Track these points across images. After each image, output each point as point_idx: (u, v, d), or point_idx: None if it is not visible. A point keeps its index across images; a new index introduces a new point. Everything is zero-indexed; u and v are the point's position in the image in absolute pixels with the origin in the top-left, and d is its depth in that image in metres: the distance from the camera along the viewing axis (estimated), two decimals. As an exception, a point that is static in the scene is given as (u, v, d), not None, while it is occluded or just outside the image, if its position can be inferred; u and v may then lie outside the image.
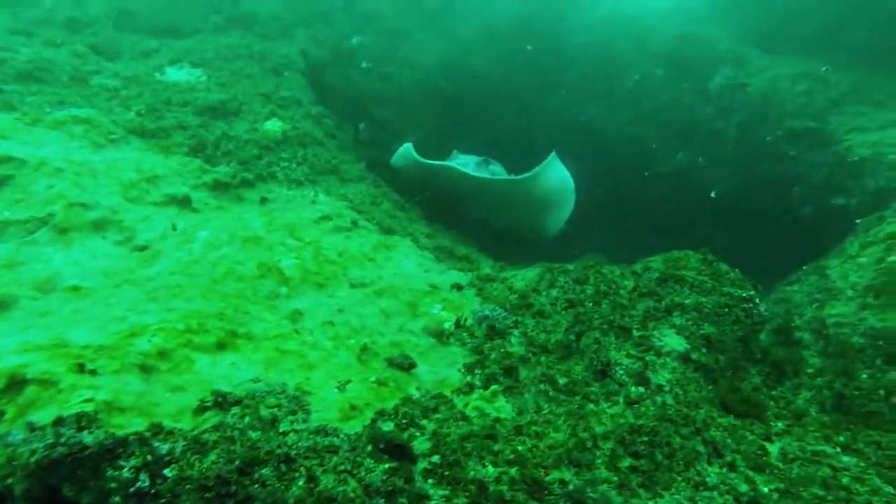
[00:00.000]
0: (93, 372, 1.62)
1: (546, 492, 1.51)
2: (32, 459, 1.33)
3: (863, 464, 2.04)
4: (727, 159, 8.15)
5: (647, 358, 2.53)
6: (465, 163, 5.30)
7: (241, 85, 5.43)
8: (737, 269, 3.56)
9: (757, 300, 3.29)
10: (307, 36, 7.05)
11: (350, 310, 2.57)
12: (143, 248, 3.02)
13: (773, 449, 2.09)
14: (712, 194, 7.55)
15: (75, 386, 1.54)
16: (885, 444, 2.22)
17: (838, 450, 2.14)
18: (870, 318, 3.82)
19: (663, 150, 8.80)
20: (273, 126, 4.86)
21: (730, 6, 9.28)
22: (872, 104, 7.00)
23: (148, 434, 1.45)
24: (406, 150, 5.69)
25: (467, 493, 1.46)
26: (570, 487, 1.55)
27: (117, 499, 1.35)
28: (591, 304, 2.92)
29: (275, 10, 7.23)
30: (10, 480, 1.35)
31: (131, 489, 1.34)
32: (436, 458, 1.56)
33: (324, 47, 7.14)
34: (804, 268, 5.09)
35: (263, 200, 4.06)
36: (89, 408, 1.47)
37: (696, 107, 8.35)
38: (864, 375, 3.07)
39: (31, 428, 1.39)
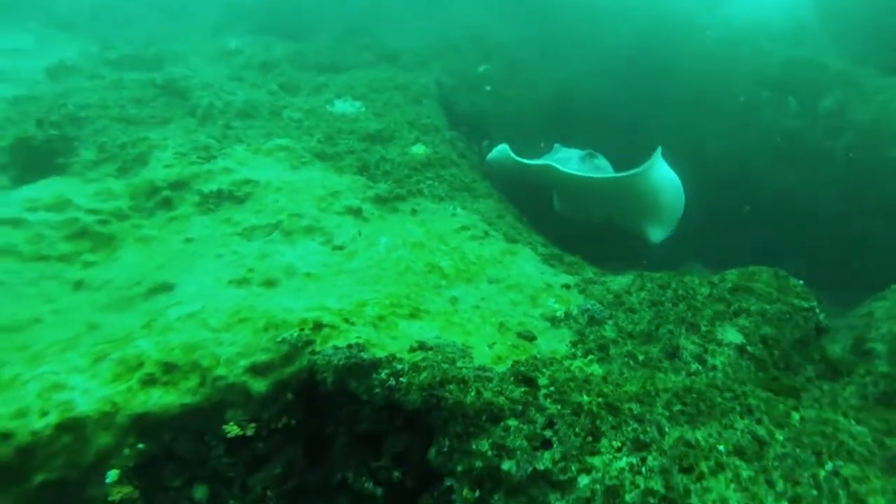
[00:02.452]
0: (352, 324, 2.81)
1: (619, 412, 2.47)
2: (340, 363, 2.51)
3: (866, 429, 2.77)
4: (835, 181, 8.37)
5: (709, 346, 3.36)
6: (568, 156, 5.55)
7: (392, 114, 6.72)
8: (801, 282, 4.22)
9: (817, 310, 3.96)
10: (440, 67, 8.28)
11: (489, 298, 3.64)
12: (340, 248, 4.28)
13: (796, 415, 2.87)
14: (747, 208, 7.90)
15: (348, 330, 2.73)
16: (894, 419, 2.92)
17: (851, 421, 2.87)
18: (938, 332, 4.28)
19: (768, 171, 9.10)
20: (418, 150, 6.07)
21: (852, 25, 9.33)
22: None
23: (390, 358, 2.59)
24: (503, 151, 6.01)
25: (570, 408, 2.46)
26: (636, 412, 2.49)
27: (377, 389, 2.50)
28: (669, 304, 3.78)
29: (413, 45, 8.53)
30: (324, 374, 2.55)
31: (385, 385, 2.49)
32: (551, 389, 2.57)
33: (454, 76, 8.33)
34: (892, 286, 5.49)
35: (414, 212, 5.24)
36: (360, 341, 2.64)
37: (803, 129, 8.61)
38: (907, 377, 3.65)
39: (336, 349, 2.58)
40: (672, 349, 3.32)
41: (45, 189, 4.63)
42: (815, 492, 2.21)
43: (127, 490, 2.42)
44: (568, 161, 5.43)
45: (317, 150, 5.75)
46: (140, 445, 2.49)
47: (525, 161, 5.52)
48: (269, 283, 3.54)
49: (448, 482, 2.48)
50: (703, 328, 3.57)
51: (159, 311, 3.18)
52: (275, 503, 2.75)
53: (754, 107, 9.04)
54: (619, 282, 4.25)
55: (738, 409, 2.82)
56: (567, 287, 4.12)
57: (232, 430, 2.60)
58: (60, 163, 5.29)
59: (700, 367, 3.19)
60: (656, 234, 5.87)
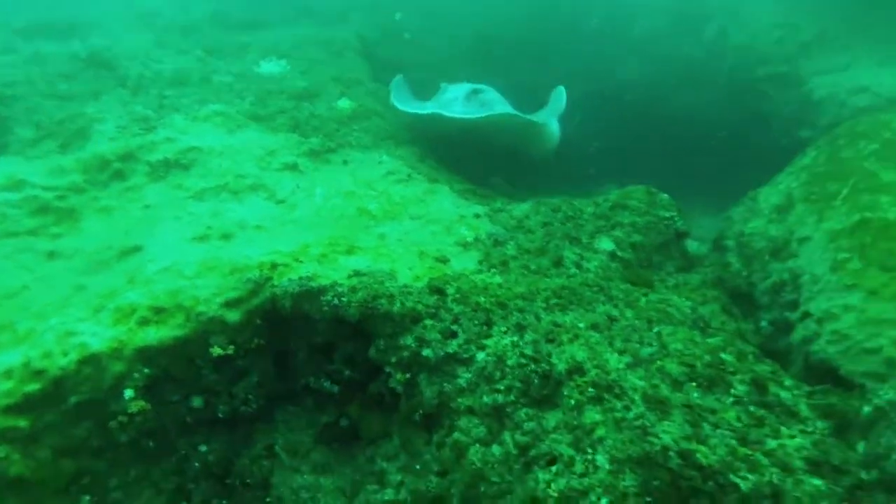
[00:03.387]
0: (301, 262, 3.55)
1: (507, 307, 3.37)
2: (294, 291, 3.28)
3: (689, 303, 3.80)
4: (721, 99, 9.45)
5: (586, 254, 4.30)
6: (454, 96, 5.71)
7: (316, 71, 7.19)
8: (666, 196, 5.18)
9: (675, 218, 4.94)
10: (361, 20, 8.66)
11: (412, 232, 4.43)
12: (283, 201, 4.93)
13: (643, 299, 3.86)
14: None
15: (298, 266, 3.47)
16: (709, 294, 3.98)
17: (683, 299, 3.89)
18: (770, 228, 5.39)
19: (669, 91, 10.07)
20: (344, 104, 6.63)
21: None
22: (840, 47, 8.09)
23: (333, 284, 3.37)
24: (393, 88, 6.21)
25: (470, 307, 3.33)
26: (520, 306, 3.40)
27: (326, 308, 3.29)
28: (558, 224, 4.68)
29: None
30: (284, 301, 3.31)
31: (330, 304, 3.28)
32: (457, 295, 3.43)
33: (375, 28, 8.74)
34: (748, 193, 6.61)
35: (345, 162, 5.88)
36: (309, 273, 3.40)
37: (694, 54, 9.57)
38: (738, 265, 4.76)
39: (290, 280, 3.34)
40: (557, 259, 4.24)
41: (-1, 170, 5.01)
42: (638, 345, 3.19)
43: (140, 404, 3.17)
44: (454, 102, 5.69)
45: (250, 112, 6.23)
46: (146, 370, 3.22)
47: (410, 110, 5.79)
48: (226, 237, 4.21)
49: (386, 370, 3.34)
50: (584, 240, 4.51)
51: (137, 269, 3.83)
52: (255, 405, 3.56)
53: (653, 36, 9.91)
54: (521, 208, 5.12)
55: (601, 298, 3.78)
56: (478, 216, 4.96)
57: (216, 351, 3.35)
58: (-2, 143, 5.60)
59: (577, 271, 4.12)
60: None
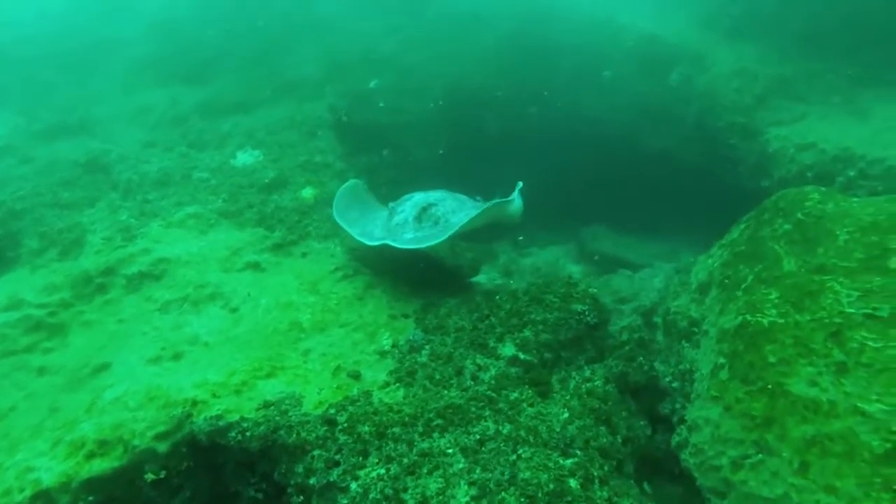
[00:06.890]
0: (218, 397, 4.21)
1: (384, 436, 3.91)
2: (207, 429, 3.94)
3: (568, 415, 4.22)
4: (691, 141, 9.64)
5: (485, 362, 4.76)
6: (404, 220, 5.45)
7: (287, 157, 7.85)
8: (584, 287, 5.55)
9: (587, 312, 5.31)
10: (333, 91, 9.29)
11: (336, 343, 5.02)
12: (234, 310, 5.61)
13: (529, 409, 4.30)
14: None
15: (214, 403, 4.14)
16: (591, 404, 4.38)
17: (563, 409, 4.31)
18: (692, 308, 5.68)
19: (640, 132, 10.31)
20: (307, 193, 7.27)
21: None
22: (795, 98, 8.19)
23: (240, 420, 4.01)
24: (337, 201, 6.01)
25: (353, 437, 3.89)
26: (396, 434, 3.93)
27: (233, 442, 3.94)
28: (471, 327, 5.16)
29: (308, 71, 9.49)
30: (200, 436, 3.98)
31: (236, 440, 3.92)
32: (346, 424, 4.00)
33: (347, 96, 9.35)
34: (689, 260, 6.84)
35: (304, 255, 6.53)
36: (220, 411, 4.06)
37: (663, 96, 9.77)
38: (641, 358, 5.09)
39: (205, 419, 4.00)
40: (459, 369, 4.73)
41: (1, 290, 5.91)
42: (490, 474, 3.66)
43: (85, 527, 3.89)
44: (405, 225, 5.47)
45: (222, 209, 6.96)
46: (90, 498, 3.94)
47: (358, 237, 5.56)
48: (177, 357, 4.92)
49: (288, 490, 3.96)
50: (491, 345, 4.96)
51: (98, 393, 4.58)
52: (190, 515, 4.24)
53: (622, 80, 10.14)
54: (448, 304, 5.62)
55: (486, 413, 4.25)
56: (406, 316, 5.49)
57: (149, 476, 4.05)
58: (10, 256, 6.53)
59: (472, 383, 4.60)
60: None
